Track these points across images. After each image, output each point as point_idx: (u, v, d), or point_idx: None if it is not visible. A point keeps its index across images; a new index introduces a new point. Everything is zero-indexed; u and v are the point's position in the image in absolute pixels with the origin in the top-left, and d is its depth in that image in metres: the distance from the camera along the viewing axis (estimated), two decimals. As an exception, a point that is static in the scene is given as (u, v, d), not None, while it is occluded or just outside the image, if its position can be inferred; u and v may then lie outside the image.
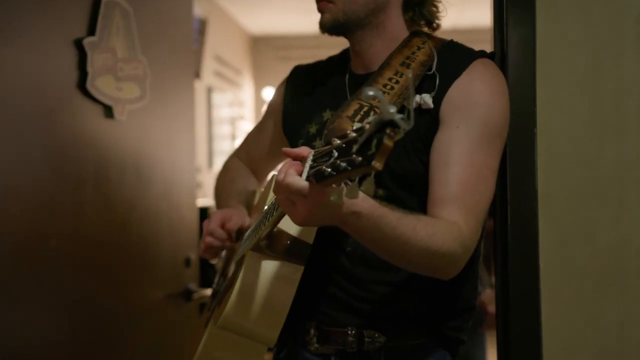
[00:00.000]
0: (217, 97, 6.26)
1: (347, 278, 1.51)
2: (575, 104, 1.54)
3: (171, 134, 2.47)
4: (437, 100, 1.44)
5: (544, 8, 1.53)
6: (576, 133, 1.54)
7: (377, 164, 0.94)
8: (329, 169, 1.00)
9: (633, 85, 1.52)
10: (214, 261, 1.75)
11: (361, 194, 1.16)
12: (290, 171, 1.11)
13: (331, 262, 1.51)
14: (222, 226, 1.58)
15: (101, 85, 2.03)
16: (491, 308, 2.65)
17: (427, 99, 1.44)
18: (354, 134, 0.99)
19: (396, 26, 1.55)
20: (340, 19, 1.50)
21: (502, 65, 1.56)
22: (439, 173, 1.40)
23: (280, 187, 1.12)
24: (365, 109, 1.45)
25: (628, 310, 1.52)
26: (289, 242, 1.41)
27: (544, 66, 1.54)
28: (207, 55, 5.80)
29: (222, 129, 6.46)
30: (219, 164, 5.99)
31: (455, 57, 1.49)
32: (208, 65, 5.90)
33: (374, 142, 0.94)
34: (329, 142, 1.05)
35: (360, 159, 0.95)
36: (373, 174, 0.98)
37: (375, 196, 1.46)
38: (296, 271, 1.39)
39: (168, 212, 2.43)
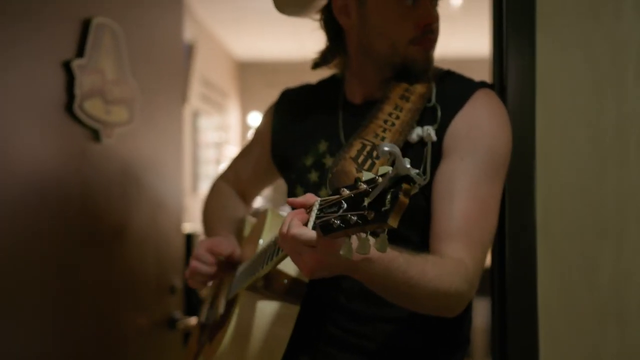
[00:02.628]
0: (203, 121, 6.24)
1: (345, 315, 1.47)
2: (575, 135, 1.52)
3: (159, 157, 2.43)
4: (440, 132, 1.42)
5: (544, 38, 1.51)
6: (576, 164, 1.52)
7: (393, 222, 0.88)
8: (338, 221, 0.95)
9: (634, 116, 1.50)
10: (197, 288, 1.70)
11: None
12: (294, 222, 1.06)
13: (328, 299, 1.48)
14: (210, 251, 1.54)
15: (89, 108, 1.99)
16: None
17: (431, 132, 1.42)
18: (364, 186, 0.93)
19: None
20: None
21: (501, 96, 1.54)
22: (443, 206, 1.36)
23: (286, 239, 1.07)
24: (368, 148, 1.41)
25: (629, 347, 1.48)
26: (286, 281, 1.37)
27: (544, 97, 1.52)
28: (194, 78, 5.78)
29: (207, 153, 6.43)
30: (204, 188, 5.95)
31: (456, 87, 1.47)
32: (195, 88, 5.88)
33: (388, 197, 0.88)
34: (335, 189, 1.00)
35: (373, 214, 0.90)
36: (386, 231, 0.92)
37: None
38: (292, 311, 1.36)
39: (154, 237, 2.38)
